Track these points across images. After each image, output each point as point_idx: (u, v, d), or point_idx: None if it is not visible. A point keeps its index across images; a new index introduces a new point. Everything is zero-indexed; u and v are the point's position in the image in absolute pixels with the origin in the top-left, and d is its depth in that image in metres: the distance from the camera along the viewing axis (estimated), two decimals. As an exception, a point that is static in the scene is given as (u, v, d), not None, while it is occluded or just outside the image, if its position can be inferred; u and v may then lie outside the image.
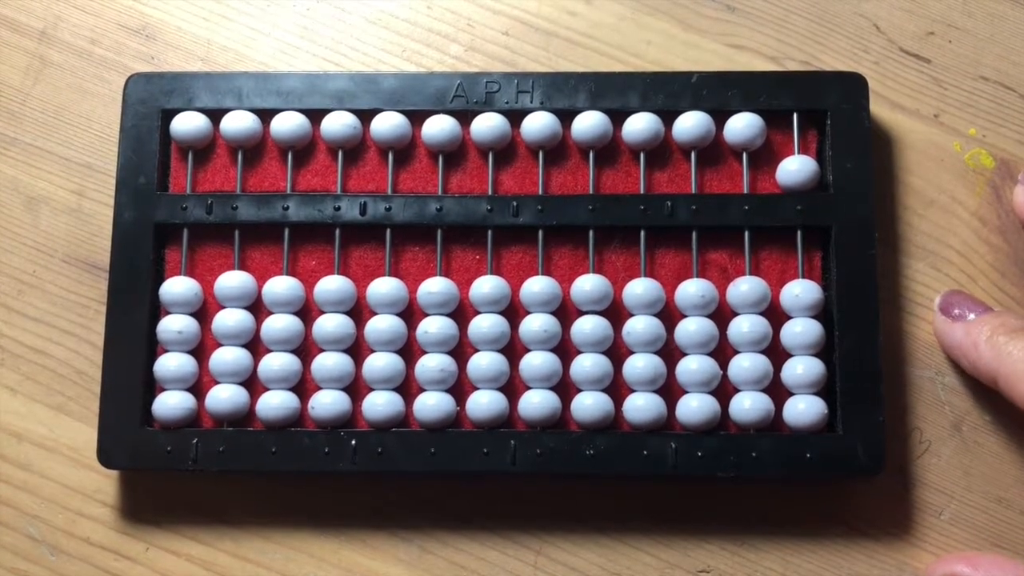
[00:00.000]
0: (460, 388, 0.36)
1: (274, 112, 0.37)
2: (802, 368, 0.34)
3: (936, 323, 0.36)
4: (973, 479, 0.36)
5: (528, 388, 0.35)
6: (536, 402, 0.35)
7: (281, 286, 0.36)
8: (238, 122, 0.37)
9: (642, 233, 0.36)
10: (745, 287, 0.35)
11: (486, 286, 0.35)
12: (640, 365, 0.35)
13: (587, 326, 0.35)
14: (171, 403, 0.35)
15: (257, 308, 0.36)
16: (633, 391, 0.35)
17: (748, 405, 0.34)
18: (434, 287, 0.35)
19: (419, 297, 0.36)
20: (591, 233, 0.36)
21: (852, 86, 0.36)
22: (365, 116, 0.37)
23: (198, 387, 0.36)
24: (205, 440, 0.35)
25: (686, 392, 0.35)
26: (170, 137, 0.37)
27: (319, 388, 0.35)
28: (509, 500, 0.36)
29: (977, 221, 0.37)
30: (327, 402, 0.35)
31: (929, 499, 0.36)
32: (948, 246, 0.37)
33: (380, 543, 0.36)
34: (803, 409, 0.34)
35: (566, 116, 0.37)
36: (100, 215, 0.38)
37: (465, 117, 0.37)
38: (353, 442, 0.34)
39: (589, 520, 0.36)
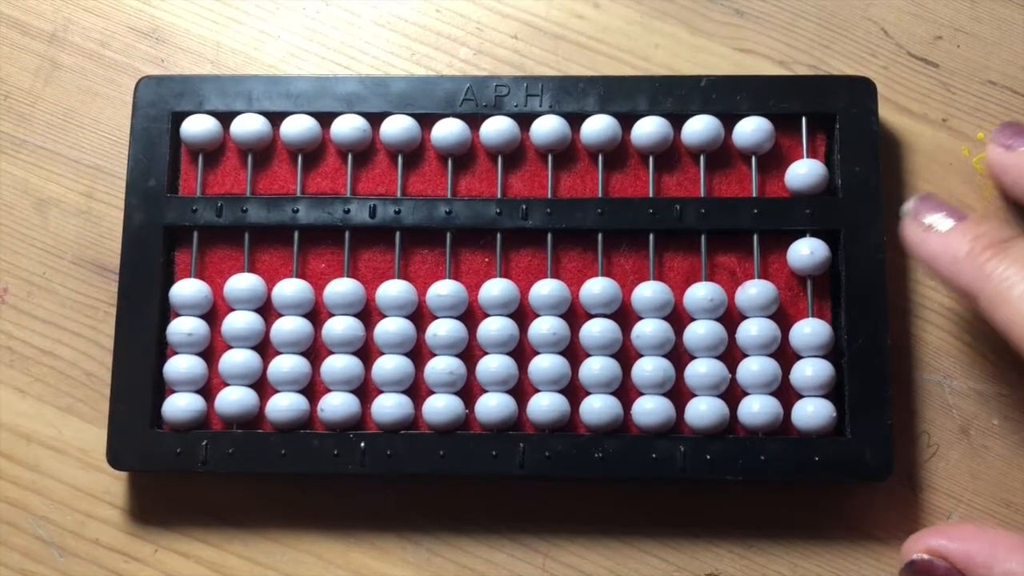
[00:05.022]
0: (469, 391, 0.36)
1: (284, 115, 0.37)
2: (811, 371, 0.34)
3: (907, 232, 0.33)
4: (981, 483, 0.36)
5: (537, 391, 0.35)
6: (545, 405, 0.35)
7: (290, 288, 0.36)
8: (248, 125, 0.37)
9: (651, 236, 0.36)
10: (754, 290, 0.35)
11: (495, 289, 0.35)
12: (649, 368, 0.35)
13: (596, 329, 0.35)
14: (180, 405, 0.35)
15: (267, 310, 0.36)
16: (642, 394, 0.35)
17: (757, 408, 0.34)
18: (443, 290, 0.35)
19: (428, 300, 0.36)
20: (600, 236, 0.36)
21: (860, 90, 0.36)
22: (374, 119, 0.37)
23: (207, 389, 0.36)
24: (214, 442, 0.35)
25: (695, 395, 0.35)
26: (180, 140, 0.37)
27: (328, 390, 0.35)
28: (517, 502, 0.36)
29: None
30: (336, 404, 0.35)
31: (937, 503, 0.36)
32: (956, 250, 0.37)
33: (388, 545, 0.36)
34: (812, 412, 0.34)
35: (575, 119, 0.37)
36: (110, 217, 0.38)
37: (474, 120, 0.37)
38: (362, 444, 0.34)
39: (597, 523, 0.36)
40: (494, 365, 0.35)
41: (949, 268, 0.31)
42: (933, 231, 0.32)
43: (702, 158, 0.37)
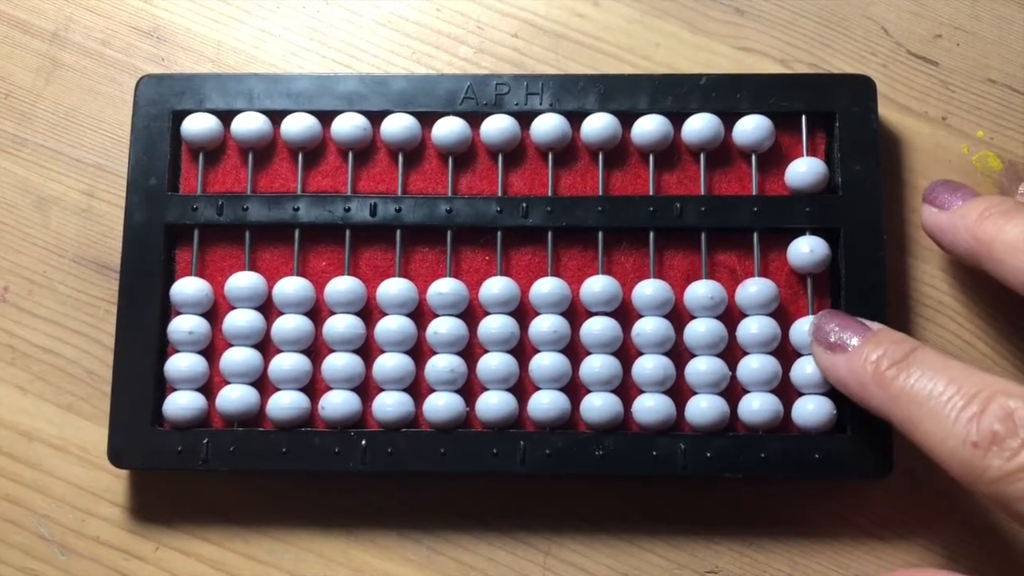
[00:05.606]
0: (470, 389, 0.36)
1: (284, 113, 0.37)
2: (811, 368, 0.34)
3: (814, 354, 0.33)
4: (981, 481, 0.36)
5: (537, 389, 0.35)
6: (545, 403, 0.35)
7: (291, 287, 0.36)
8: (249, 123, 0.37)
9: (651, 234, 0.36)
10: (754, 288, 0.35)
11: (495, 287, 0.36)
12: (649, 366, 0.35)
13: (596, 327, 0.35)
14: (181, 403, 0.35)
15: (267, 308, 0.36)
16: (642, 392, 0.35)
17: (757, 406, 0.34)
18: (444, 288, 0.36)
19: (429, 298, 0.36)
20: (600, 234, 0.36)
21: (860, 88, 0.36)
22: (375, 118, 0.37)
23: (208, 387, 0.36)
24: (215, 440, 0.35)
25: (695, 393, 0.35)
26: (181, 138, 0.37)
27: (329, 388, 0.35)
28: (518, 500, 0.36)
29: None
30: (337, 402, 0.35)
31: (937, 501, 0.36)
32: (956, 248, 0.37)
33: (389, 543, 0.36)
34: (812, 409, 0.34)
35: (575, 118, 0.37)
36: (110, 216, 0.38)
37: (475, 119, 0.37)
38: (363, 442, 0.34)
39: (598, 520, 0.36)
40: (495, 363, 0.35)
41: (860, 393, 0.30)
42: (838, 351, 0.31)
43: (702, 156, 0.37)
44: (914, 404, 0.28)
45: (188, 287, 0.36)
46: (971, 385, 0.28)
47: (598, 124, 0.36)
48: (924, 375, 0.29)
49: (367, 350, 0.36)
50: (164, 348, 0.36)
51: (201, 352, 0.36)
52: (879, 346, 0.30)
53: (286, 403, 0.35)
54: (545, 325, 0.35)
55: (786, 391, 0.35)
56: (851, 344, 0.31)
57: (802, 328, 0.35)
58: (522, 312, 0.36)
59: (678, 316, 0.36)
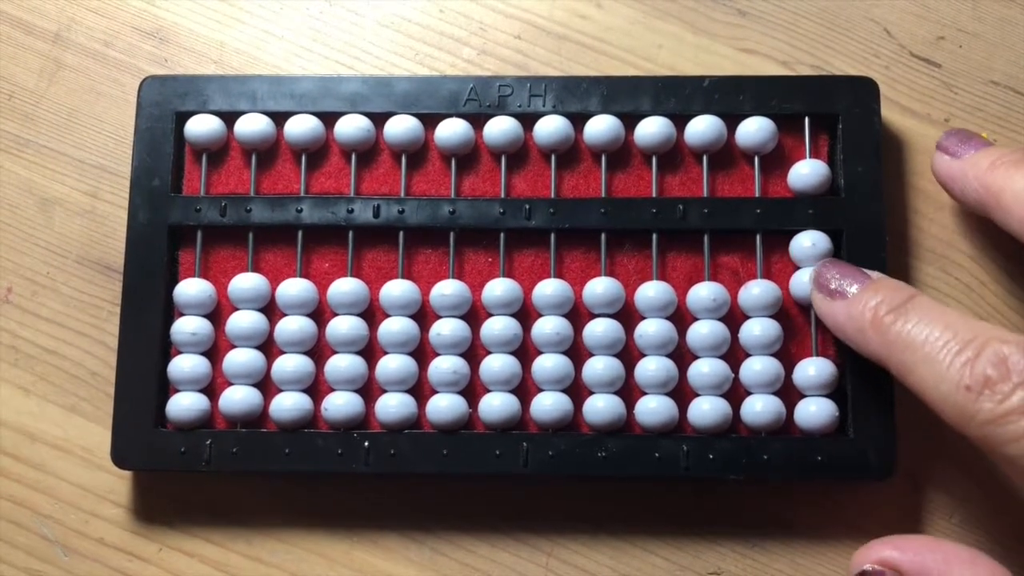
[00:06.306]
0: (472, 390, 0.36)
1: (288, 115, 0.37)
2: (814, 370, 0.34)
3: (815, 301, 0.33)
4: (983, 482, 0.36)
5: (540, 390, 0.35)
6: (548, 404, 0.35)
7: (294, 288, 0.36)
8: (252, 124, 0.37)
9: (654, 236, 0.36)
10: (757, 290, 0.35)
11: (498, 289, 0.36)
12: (652, 368, 0.35)
13: (599, 329, 0.35)
14: (185, 404, 0.35)
15: (271, 310, 0.36)
16: (645, 394, 0.35)
17: (759, 408, 0.34)
18: (447, 289, 0.36)
19: (432, 299, 0.36)
20: (603, 236, 0.36)
21: (863, 90, 0.36)
22: (378, 119, 0.37)
23: (212, 388, 0.36)
24: (218, 441, 0.35)
25: (698, 395, 0.35)
26: (184, 139, 0.37)
27: (332, 389, 0.35)
28: (520, 502, 0.36)
29: (987, 225, 0.37)
30: (340, 403, 0.35)
31: (940, 502, 0.36)
32: (959, 250, 0.37)
33: (392, 544, 0.36)
34: (814, 411, 0.34)
35: (578, 119, 0.37)
36: (114, 217, 0.38)
37: (478, 120, 0.37)
38: (366, 443, 0.35)
39: (600, 522, 0.36)
40: (497, 364, 0.35)
41: (858, 338, 0.31)
42: (838, 297, 0.32)
43: (705, 158, 0.37)
44: (910, 350, 0.29)
45: (191, 288, 0.36)
46: (967, 331, 0.28)
47: (601, 126, 0.36)
48: (921, 321, 0.29)
49: (370, 351, 0.36)
50: (167, 349, 0.36)
51: (204, 353, 0.36)
52: (878, 293, 0.31)
53: (289, 404, 0.35)
54: (548, 327, 0.35)
55: (788, 393, 0.35)
56: (851, 291, 0.32)
57: (802, 279, 0.35)
58: (525, 314, 0.36)
59: (681, 318, 0.36)
